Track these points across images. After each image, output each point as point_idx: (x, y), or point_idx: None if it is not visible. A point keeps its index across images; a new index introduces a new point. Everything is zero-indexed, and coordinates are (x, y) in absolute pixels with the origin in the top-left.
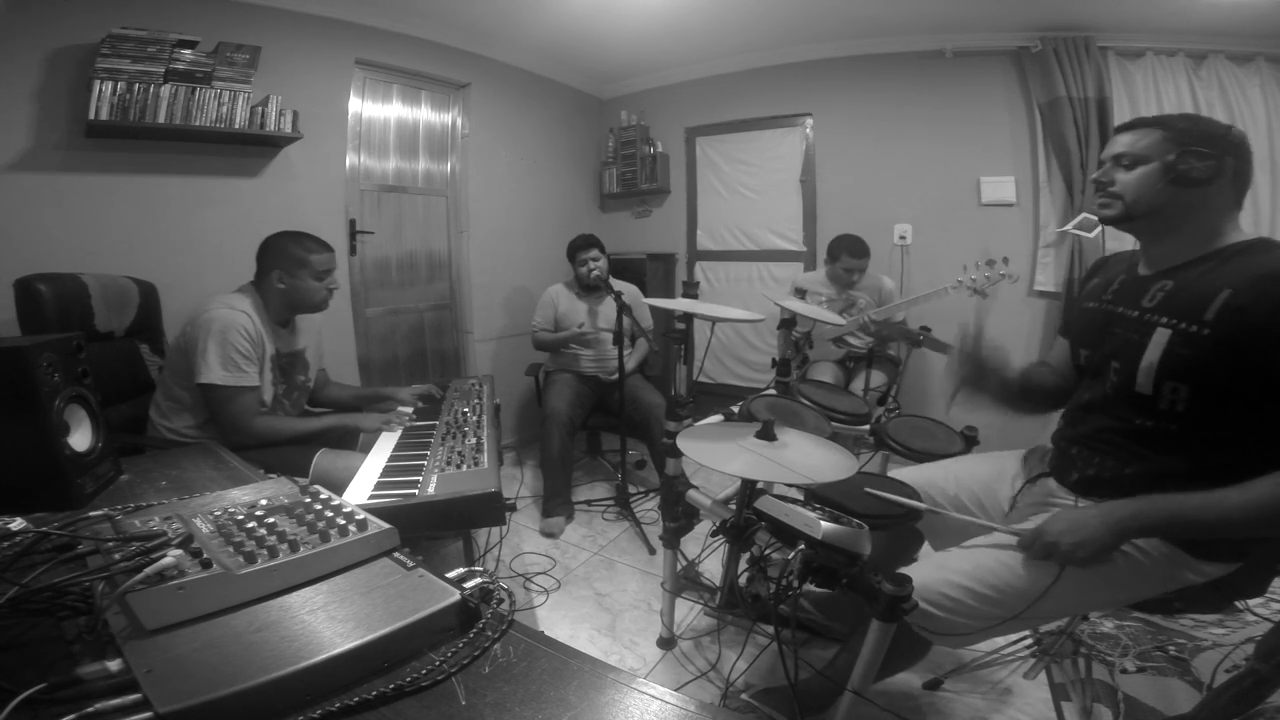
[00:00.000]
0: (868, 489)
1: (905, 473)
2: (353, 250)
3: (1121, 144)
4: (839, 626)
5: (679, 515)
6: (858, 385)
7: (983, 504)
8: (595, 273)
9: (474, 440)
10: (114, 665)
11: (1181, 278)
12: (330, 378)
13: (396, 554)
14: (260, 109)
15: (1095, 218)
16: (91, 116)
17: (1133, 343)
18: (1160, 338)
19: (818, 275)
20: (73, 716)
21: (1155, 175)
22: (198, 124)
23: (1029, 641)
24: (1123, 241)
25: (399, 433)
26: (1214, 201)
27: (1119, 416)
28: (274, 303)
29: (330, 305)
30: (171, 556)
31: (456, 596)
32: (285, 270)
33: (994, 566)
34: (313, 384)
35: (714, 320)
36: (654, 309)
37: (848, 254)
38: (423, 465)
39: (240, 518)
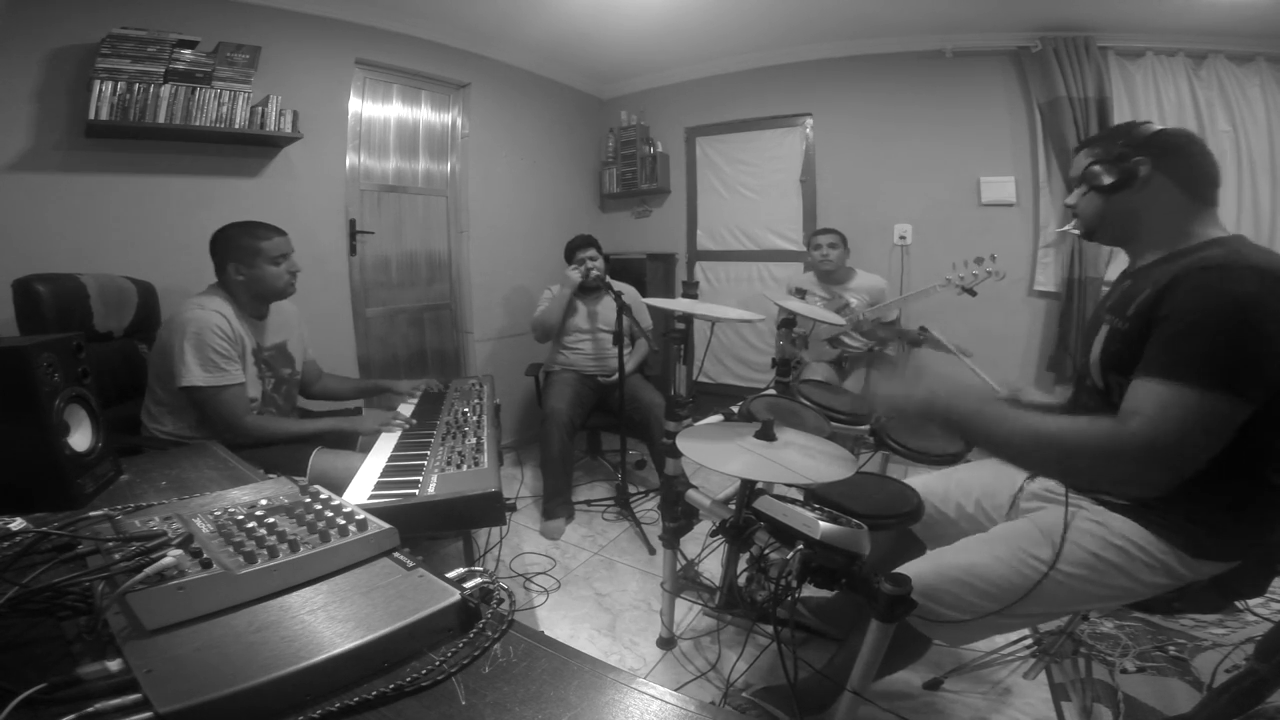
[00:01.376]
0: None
1: (908, 481)
2: (353, 250)
3: (1073, 166)
4: (835, 632)
5: (679, 515)
6: (854, 385)
7: (983, 507)
8: (594, 272)
9: (474, 440)
10: (114, 665)
11: (1138, 278)
12: (323, 370)
13: (396, 554)
14: (260, 109)
15: None
16: (91, 116)
17: (1091, 339)
18: (1102, 333)
19: (812, 275)
20: (73, 716)
21: (1083, 189)
22: (198, 124)
23: (1029, 641)
24: None
25: (399, 433)
26: (1149, 201)
27: (1094, 410)
28: (241, 296)
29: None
30: (171, 556)
31: (456, 596)
32: (240, 261)
33: (991, 563)
34: (300, 376)
35: (714, 320)
36: (654, 309)
37: (817, 234)
38: (423, 465)
39: (240, 518)
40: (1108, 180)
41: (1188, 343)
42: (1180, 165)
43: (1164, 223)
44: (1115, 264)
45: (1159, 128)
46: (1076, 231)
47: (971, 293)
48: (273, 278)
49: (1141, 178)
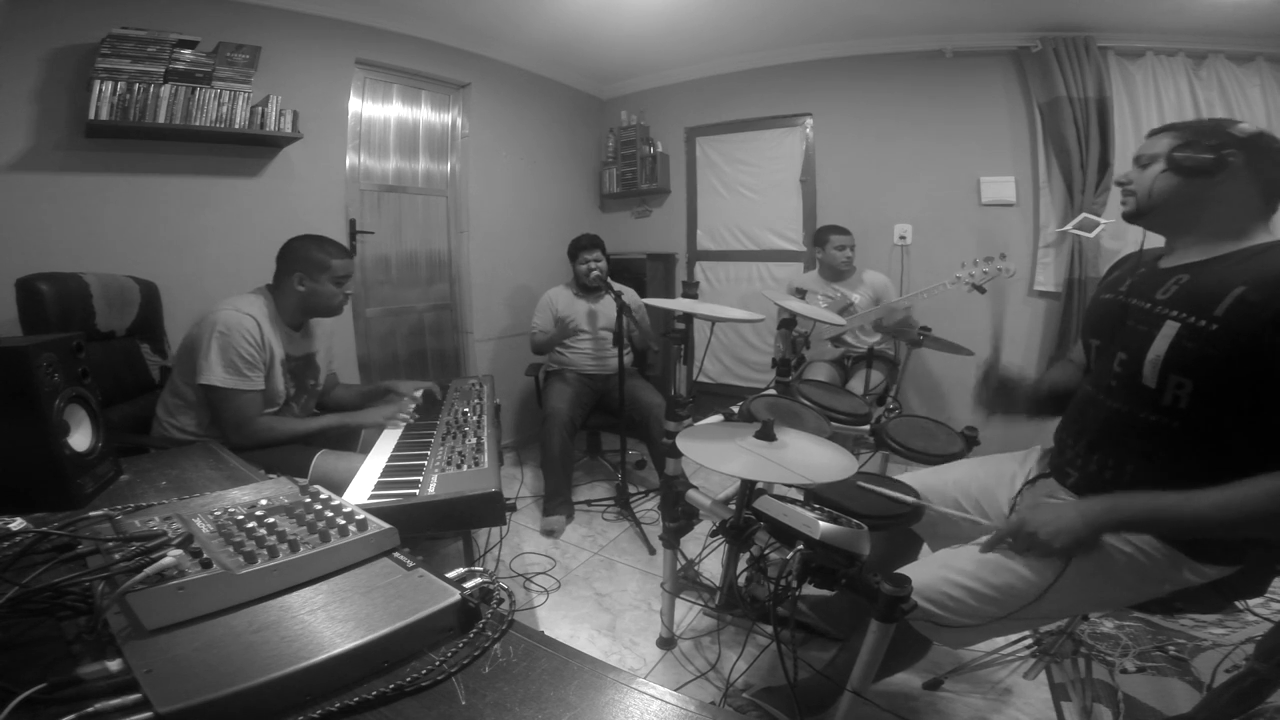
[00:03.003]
0: (861, 484)
1: (903, 479)
2: (353, 250)
3: (1141, 147)
4: (835, 631)
5: (679, 515)
6: (857, 385)
7: (982, 508)
8: (595, 273)
9: (474, 440)
10: (114, 665)
11: (1199, 273)
12: (339, 380)
13: (396, 554)
14: (260, 109)
15: (1095, 218)
16: (91, 116)
17: (1141, 334)
18: (1169, 330)
19: (815, 274)
20: (73, 716)
21: (1161, 168)
22: (198, 124)
23: (1029, 641)
24: (1123, 242)
25: (399, 432)
26: (1226, 196)
27: (1123, 409)
28: (290, 305)
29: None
30: (171, 556)
31: (456, 596)
32: (306, 273)
33: (996, 568)
34: (321, 387)
35: (714, 320)
36: (654, 309)
37: (834, 234)
38: (423, 465)
39: (240, 518)
40: (1198, 163)
41: None
42: (1266, 170)
43: (1230, 219)
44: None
45: (1259, 129)
46: (1096, 221)
47: (981, 290)
48: (329, 296)
49: (1230, 169)
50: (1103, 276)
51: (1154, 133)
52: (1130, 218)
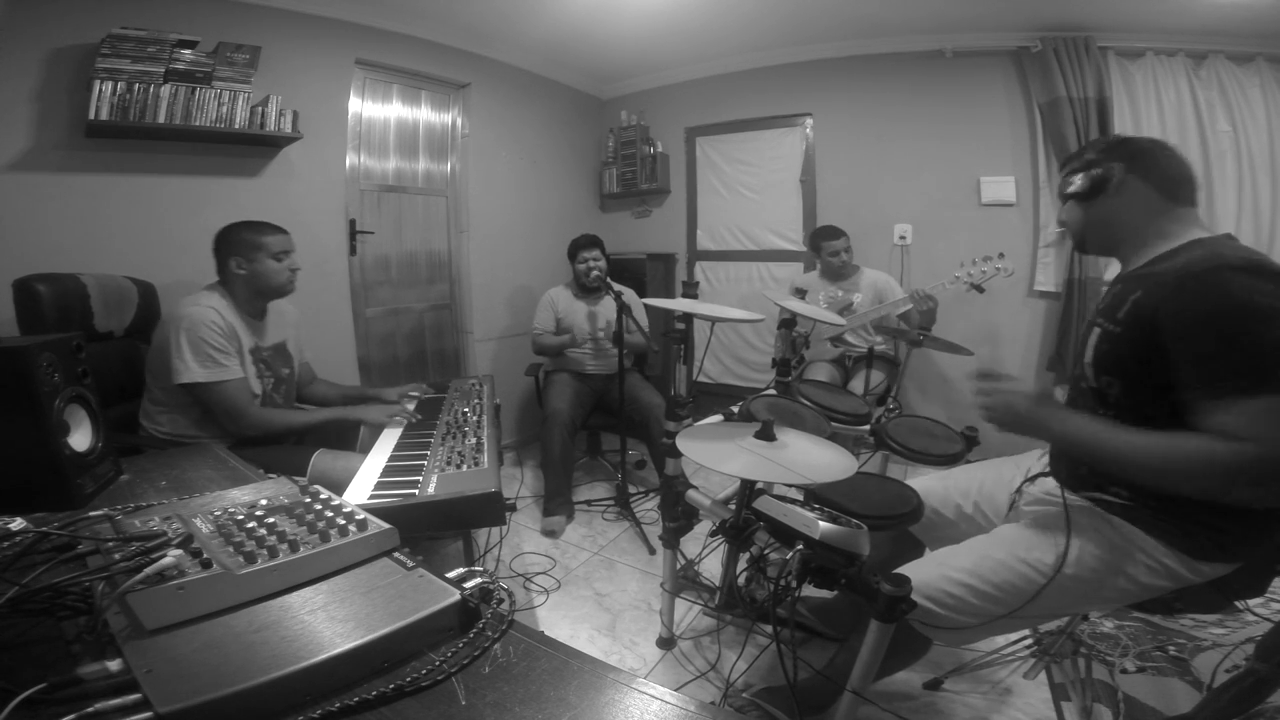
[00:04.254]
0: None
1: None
2: (353, 250)
3: (1057, 188)
4: (835, 632)
5: (679, 515)
6: (857, 385)
7: (982, 509)
8: (595, 272)
9: (474, 440)
10: (114, 665)
11: (1124, 281)
12: (316, 374)
13: (396, 554)
14: (260, 109)
15: None
16: (91, 116)
17: (1085, 342)
18: (1094, 336)
19: (816, 274)
20: (73, 716)
21: (1066, 201)
22: (198, 124)
23: (1029, 641)
24: None
25: (399, 432)
26: (1129, 205)
27: (1085, 407)
28: (241, 293)
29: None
30: (171, 556)
31: (456, 596)
32: (242, 256)
33: (995, 566)
34: (297, 376)
35: (714, 320)
36: (653, 309)
37: (824, 239)
38: (423, 465)
39: (240, 518)
40: (1083, 188)
41: (1229, 357)
42: (1152, 168)
43: (1144, 225)
44: (1115, 264)
45: (1120, 136)
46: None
47: (980, 289)
48: (273, 273)
49: (1116, 181)
50: None
51: (1061, 171)
52: (1078, 250)
